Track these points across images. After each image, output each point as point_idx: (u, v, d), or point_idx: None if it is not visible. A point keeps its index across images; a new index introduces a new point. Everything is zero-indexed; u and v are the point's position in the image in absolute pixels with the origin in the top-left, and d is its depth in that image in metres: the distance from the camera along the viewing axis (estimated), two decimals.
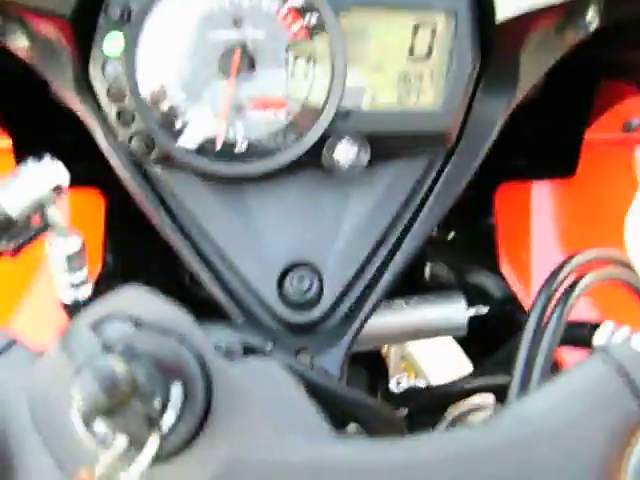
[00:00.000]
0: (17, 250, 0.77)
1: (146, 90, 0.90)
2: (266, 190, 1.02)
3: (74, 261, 0.88)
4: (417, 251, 0.98)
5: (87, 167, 0.98)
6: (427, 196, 1.00)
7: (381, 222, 0.99)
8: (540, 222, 1.25)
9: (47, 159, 0.78)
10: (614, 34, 1.05)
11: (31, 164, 0.77)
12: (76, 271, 0.89)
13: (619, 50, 1.22)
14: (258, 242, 0.96)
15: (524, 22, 0.95)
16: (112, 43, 0.92)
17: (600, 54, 1.21)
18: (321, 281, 0.95)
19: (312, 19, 0.93)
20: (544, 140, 1.29)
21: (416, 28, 0.95)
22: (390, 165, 1.02)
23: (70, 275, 0.89)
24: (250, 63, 0.94)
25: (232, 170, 0.96)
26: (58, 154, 0.79)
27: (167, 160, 0.97)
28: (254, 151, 0.93)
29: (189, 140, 0.91)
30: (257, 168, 0.95)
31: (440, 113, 0.97)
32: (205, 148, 0.91)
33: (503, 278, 1.21)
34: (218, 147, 0.92)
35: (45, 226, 0.81)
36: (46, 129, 1.13)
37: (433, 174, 1.01)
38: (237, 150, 0.93)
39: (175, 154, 0.94)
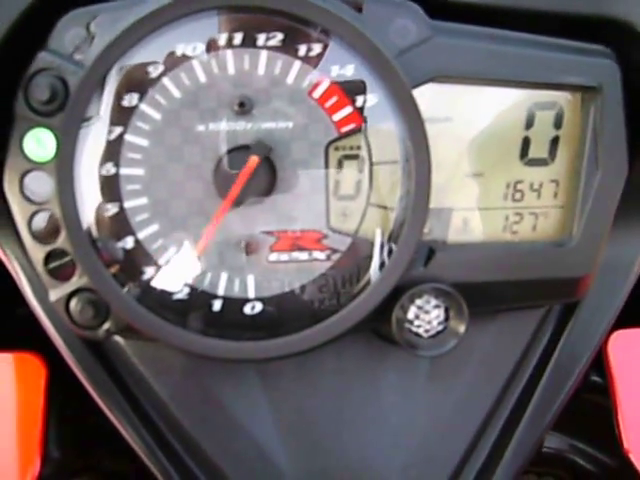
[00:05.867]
0: None
1: (93, 219, 0.58)
2: (285, 371, 0.67)
3: None
4: (536, 444, 0.69)
5: (24, 324, 0.69)
6: (542, 366, 0.70)
7: (478, 409, 0.69)
8: None
9: None
10: None
11: None
12: None
13: None
14: (263, 451, 0.67)
15: None
16: (36, 143, 0.58)
17: None
18: None
19: (368, 100, 0.53)
20: None
21: (531, 114, 0.58)
22: (488, 328, 0.68)
23: None
24: (266, 175, 0.57)
25: (236, 351, 0.56)
26: None
27: (127, 331, 0.60)
28: (273, 317, 0.61)
29: (166, 301, 0.59)
30: (277, 347, 0.58)
31: (571, 248, 0.63)
32: (192, 312, 0.60)
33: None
34: (215, 309, 0.58)
35: None
36: None
37: (548, 335, 0.71)
38: (245, 315, 0.61)
39: (142, 325, 0.56)
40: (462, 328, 0.59)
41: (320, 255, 0.60)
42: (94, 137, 0.58)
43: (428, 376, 0.67)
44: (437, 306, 0.59)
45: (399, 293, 0.58)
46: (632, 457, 0.83)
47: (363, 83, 0.57)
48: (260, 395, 0.68)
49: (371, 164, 0.59)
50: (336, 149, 0.59)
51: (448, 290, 0.58)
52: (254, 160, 0.56)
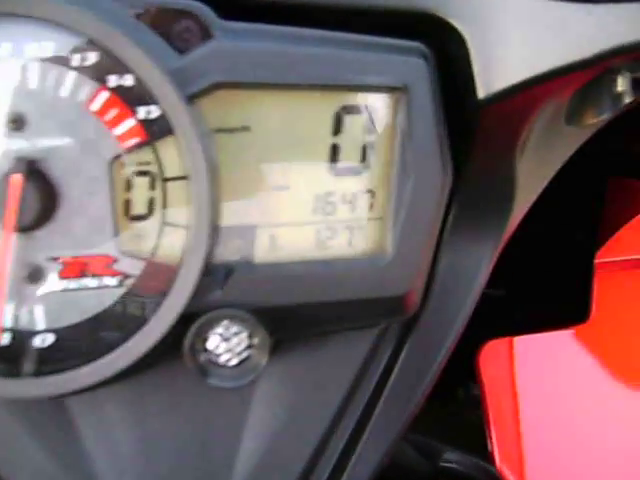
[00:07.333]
0: None
1: None
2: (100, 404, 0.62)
3: None
4: (379, 463, 0.65)
5: None
6: (382, 385, 0.65)
7: (312, 433, 0.65)
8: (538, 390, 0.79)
9: None
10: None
11: None
12: None
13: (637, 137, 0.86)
14: None
15: (523, 101, 0.51)
16: None
17: (607, 145, 0.84)
18: None
19: (152, 112, 0.47)
20: (537, 277, 0.86)
21: (339, 119, 0.52)
22: (319, 350, 0.63)
23: None
24: (45, 196, 0.50)
25: (22, 389, 0.49)
26: None
27: None
28: (65, 349, 0.56)
29: None
30: (70, 381, 0.50)
31: (387, 264, 0.56)
32: None
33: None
34: (4, 343, 0.55)
35: None
36: None
37: (387, 353, 0.65)
38: (34, 349, 0.55)
39: None
40: (264, 357, 0.54)
41: (111, 281, 0.55)
42: None
43: (257, 401, 0.63)
44: (237, 333, 0.54)
45: (192, 319, 0.53)
46: (505, 474, 0.79)
47: (144, 94, 0.52)
48: (82, 429, 0.63)
49: (163, 180, 0.54)
50: (124, 165, 0.54)
51: (244, 316, 0.53)
52: (17, 179, 0.51)
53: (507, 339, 0.81)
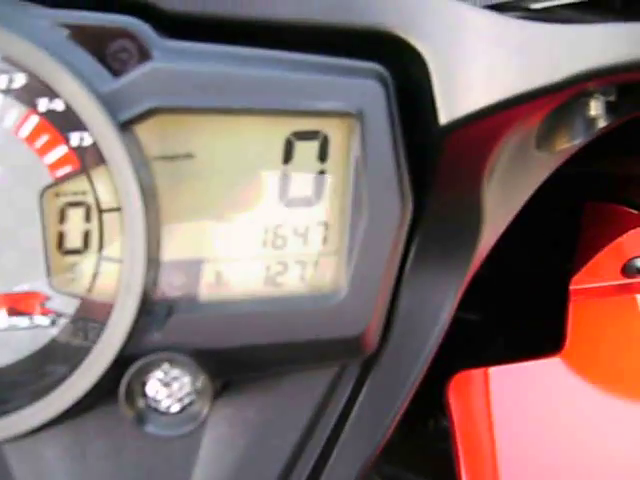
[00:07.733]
0: None
1: None
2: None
3: None
4: None
5: None
6: (339, 427, 0.61)
7: (264, 477, 0.60)
8: (512, 420, 0.76)
9: None
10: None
11: None
12: None
13: (614, 160, 0.85)
14: None
15: (489, 127, 0.48)
16: None
17: (585, 167, 0.81)
18: None
19: (85, 139, 0.44)
20: (510, 303, 0.84)
21: (290, 146, 0.48)
22: (271, 391, 0.59)
23: None
24: None
25: None
26: None
27: None
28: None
29: None
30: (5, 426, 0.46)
31: (342, 302, 0.53)
32: None
33: None
34: None
35: None
36: None
37: (345, 393, 0.61)
38: None
39: None
40: (206, 404, 0.50)
41: (43, 320, 0.51)
42: None
43: (206, 446, 0.58)
44: (178, 378, 0.50)
45: (130, 362, 0.49)
46: None
47: (76, 119, 0.48)
48: (18, 476, 0.59)
49: (100, 211, 0.50)
50: (56, 195, 0.50)
51: (185, 360, 0.49)
52: None
53: (481, 370, 0.77)
